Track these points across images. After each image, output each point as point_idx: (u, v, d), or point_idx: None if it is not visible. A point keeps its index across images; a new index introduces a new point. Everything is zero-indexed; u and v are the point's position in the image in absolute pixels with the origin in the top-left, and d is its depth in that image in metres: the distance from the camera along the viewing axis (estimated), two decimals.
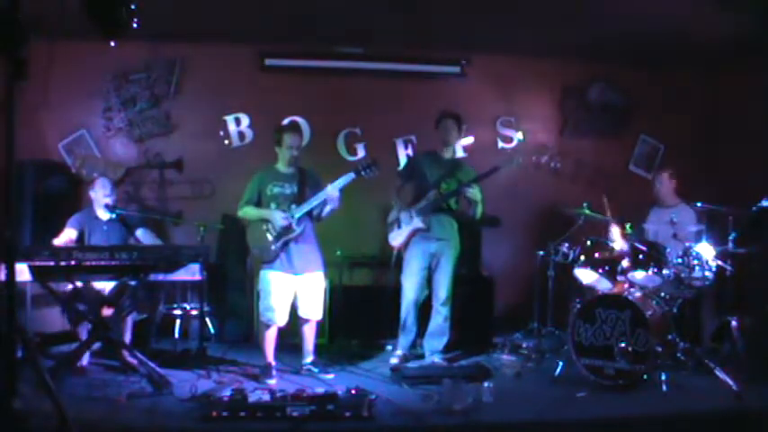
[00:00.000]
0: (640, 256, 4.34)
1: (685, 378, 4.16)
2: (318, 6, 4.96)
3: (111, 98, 5.80)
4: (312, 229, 4.40)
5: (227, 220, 5.57)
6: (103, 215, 4.60)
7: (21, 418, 2.30)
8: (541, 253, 5.24)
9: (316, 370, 4.35)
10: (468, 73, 6.18)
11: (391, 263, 4.80)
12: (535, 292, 5.35)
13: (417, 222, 4.57)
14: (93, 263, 3.78)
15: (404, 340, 4.70)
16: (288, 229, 4.25)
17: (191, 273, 4.03)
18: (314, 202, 4.29)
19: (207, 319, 5.35)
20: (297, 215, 4.26)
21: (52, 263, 3.67)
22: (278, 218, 4.25)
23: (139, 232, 4.62)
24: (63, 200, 5.35)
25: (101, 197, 4.56)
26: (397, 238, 4.68)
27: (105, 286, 4.28)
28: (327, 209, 4.35)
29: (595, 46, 5.71)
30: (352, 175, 4.30)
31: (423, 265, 4.62)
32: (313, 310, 4.38)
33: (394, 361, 4.59)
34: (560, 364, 4.30)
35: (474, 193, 4.52)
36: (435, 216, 4.61)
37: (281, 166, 4.42)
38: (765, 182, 4.92)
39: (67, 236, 4.48)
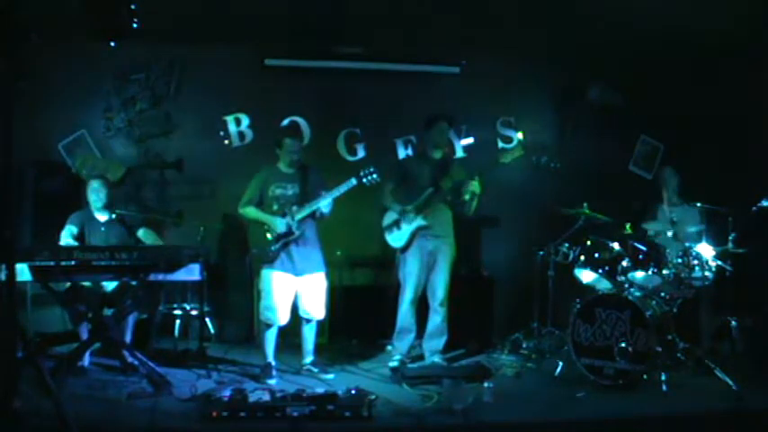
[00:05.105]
0: (640, 256, 4.34)
1: (685, 378, 4.17)
2: (318, 6, 4.96)
3: (111, 98, 5.79)
4: (314, 230, 4.40)
5: (227, 220, 5.57)
6: (101, 216, 4.60)
7: (21, 418, 2.30)
8: (541, 253, 5.24)
9: (316, 370, 4.35)
10: (469, 73, 6.17)
11: (396, 263, 4.79)
12: (535, 292, 5.34)
13: (419, 221, 4.54)
14: (94, 263, 3.78)
15: (401, 345, 4.66)
16: (287, 233, 4.25)
17: (191, 273, 4.02)
18: (314, 205, 4.28)
19: (207, 319, 5.35)
20: (297, 217, 4.26)
21: (52, 263, 3.67)
22: (277, 225, 4.26)
23: (141, 232, 4.61)
24: (63, 200, 5.34)
25: (94, 199, 4.56)
26: (400, 239, 4.63)
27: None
28: (326, 210, 4.34)
29: (595, 46, 5.70)
30: (353, 182, 4.27)
31: (422, 264, 4.60)
32: (315, 310, 4.38)
33: (393, 365, 4.55)
34: (560, 364, 4.31)
35: (475, 185, 4.49)
36: (434, 213, 4.59)
37: (283, 167, 4.42)
38: (765, 182, 4.91)
39: (70, 231, 4.47)
